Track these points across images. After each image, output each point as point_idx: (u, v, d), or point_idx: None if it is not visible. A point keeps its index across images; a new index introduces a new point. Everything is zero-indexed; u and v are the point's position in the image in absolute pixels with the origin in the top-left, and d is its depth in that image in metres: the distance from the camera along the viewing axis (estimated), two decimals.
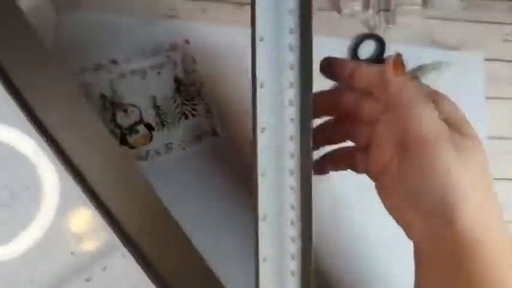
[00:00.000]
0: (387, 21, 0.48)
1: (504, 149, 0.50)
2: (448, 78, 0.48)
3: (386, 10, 0.49)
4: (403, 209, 0.30)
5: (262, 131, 0.27)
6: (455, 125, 0.29)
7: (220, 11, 0.48)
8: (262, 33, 0.27)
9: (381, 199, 0.32)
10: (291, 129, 0.27)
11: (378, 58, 0.49)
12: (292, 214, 0.27)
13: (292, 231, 0.27)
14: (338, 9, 0.49)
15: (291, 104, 0.27)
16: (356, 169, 0.33)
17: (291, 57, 0.27)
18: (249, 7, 0.50)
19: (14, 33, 0.24)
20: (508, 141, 0.48)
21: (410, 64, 0.48)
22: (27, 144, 0.23)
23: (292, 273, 0.27)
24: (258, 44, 0.27)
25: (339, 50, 0.49)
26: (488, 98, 0.50)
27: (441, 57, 0.48)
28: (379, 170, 0.31)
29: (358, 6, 0.48)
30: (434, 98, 0.30)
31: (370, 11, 0.48)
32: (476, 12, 0.47)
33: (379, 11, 0.48)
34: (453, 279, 0.28)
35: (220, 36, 0.48)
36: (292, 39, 0.27)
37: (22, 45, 0.24)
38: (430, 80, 0.47)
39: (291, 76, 0.27)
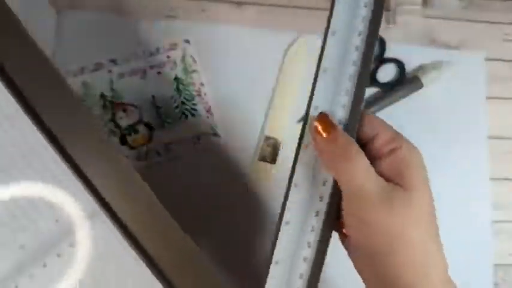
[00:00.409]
0: (388, 21, 0.49)
1: (504, 149, 0.50)
2: (448, 78, 0.47)
3: (387, 10, 0.49)
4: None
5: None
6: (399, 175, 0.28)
7: (219, 11, 0.49)
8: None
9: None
10: None
11: (379, 58, 0.49)
12: (314, 221, 0.28)
13: (312, 236, 0.28)
14: None
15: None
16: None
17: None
18: (247, 6, 0.50)
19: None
20: (508, 141, 0.48)
21: (410, 64, 0.49)
22: None
23: (301, 276, 0.28)
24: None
25: None
26: (488, 97, 0.50)
27: (441, 57, 0.48)
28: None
29: None
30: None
31: None
32: (476, 12, 0.46)
33: None
34: None
35: (220, 35, 0.48)
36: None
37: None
38: (430, 79, 0.46)
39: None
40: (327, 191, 0.28)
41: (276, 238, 0.28)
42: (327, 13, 0.51)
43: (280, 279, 0.28)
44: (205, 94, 0.45)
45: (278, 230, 0.28)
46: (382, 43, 0.48)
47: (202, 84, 0.45)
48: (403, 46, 0.49)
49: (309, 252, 0.28)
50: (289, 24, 0.49)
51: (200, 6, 0.48)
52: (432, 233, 0.29)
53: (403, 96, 0.48)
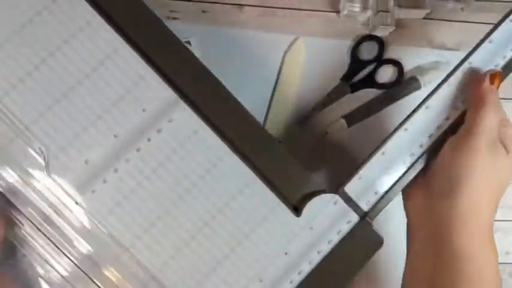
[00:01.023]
0: (386, 23, 0.48)
1: None
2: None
3: (385, 11, 0.48)
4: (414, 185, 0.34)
5: None
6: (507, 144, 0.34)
7: (220, 12, 0.49)
8: None
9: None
10: None
11: (377, 59, 0.49)
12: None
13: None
14: (337, 11, 0.49)
15: None
16: None
17: None
18: (248, 8, 0.50)
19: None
20: None
21: (409, 65, 0.49)
22: None
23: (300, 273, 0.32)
24: None
25: (339, 51, 0.49)
26: None
27: (439, 58, 0.48)
28: None
29: (357, 8, 0.48)
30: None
31: (369, 12, 0.47)
32: (474, 13, 0.46)
33: (377, 12, 0.47)
34: (437, 250, 0.33)
35: (221, 37, 0.48)
36: None
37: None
38: (428, 80, 0.46)
39: None
40: None
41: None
42: (327, 15, 0.51)
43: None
44: None
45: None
46: (381, 44, 0.49)
47: None
48: (401, 47, 0.49)
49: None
50: (290, 26, 0.49)
51: (201, 7, 0.48)
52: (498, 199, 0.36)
53: (402, 97, 0.48)
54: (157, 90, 0.32)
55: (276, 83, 0.48)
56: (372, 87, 0.48)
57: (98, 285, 0.30)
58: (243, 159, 0.32)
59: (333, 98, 0.47)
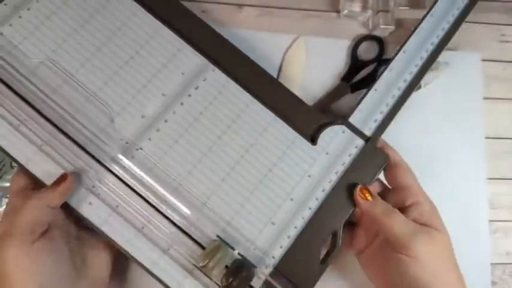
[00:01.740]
0: (386, 22, 0.50)
1: (500, 148, 0.52)
2: (445, 79, 0.48)
3: (385, 11, 0.51)
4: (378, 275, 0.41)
5: None
6: (427, 221, 0.38)
7: (220, 12, 0.51)
8: None
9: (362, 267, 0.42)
10: None
11: (378, 59, 0.51)
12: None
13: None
14: (337, 11, 0.52)
15: None
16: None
17: None
18: (248, 8, 0.49)
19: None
20: (505, 141, 0.48)
21: None
22: None
23: (323, 190, 0.41)
24: None
25: (339, 51, 0.52)
26: (485, 98, 0.53)
27: (439, 58, 0.48)
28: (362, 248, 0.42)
29: (357, 8, 0.48)
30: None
31: (369, 12, 0.47)
32: (473, 13, 0.46)
33: (377, 12, 0.47)
34: None
35: None
36: None
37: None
38: (427, 80, 0.47)
39: None
40: None
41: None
42: (327, 15, 0.50)
43: None
44: None
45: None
46: (381, 44, 0.52)
47: None
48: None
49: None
50: (289, 26, 0.52)
51: (201, 7, 0.51)
52: (453, 264, 0.38)
53: None
54: (191, 58, 0.43)
55: None
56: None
57: (154, 207, 0.38)
58: (264, 104, 0.42)
59: (333, 98, 0.46)
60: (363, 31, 0.52)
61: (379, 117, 0.43)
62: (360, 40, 0.51)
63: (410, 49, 0.45)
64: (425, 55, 0.44)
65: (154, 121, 0.41)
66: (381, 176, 0.43)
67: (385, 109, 0.43)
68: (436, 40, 0.45)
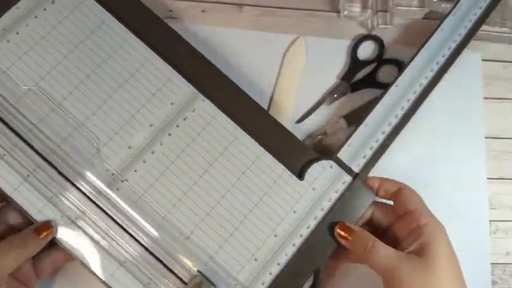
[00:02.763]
0: (385, 22, 0.51)
1: (500, 148, 0.52)
2: (445, 79, 0.47)
3: (384, 11, 0.51)
4: None
5: None
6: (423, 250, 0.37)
7: (220, 12, 0.51)
8: None
9: None
10: None
11: (378, 59, 0.51)
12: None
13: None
14: (337, 11, 0.52)
15: None
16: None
17: None
18: (248, 8, 0.49)
19: None
20: (505, 141, 0.48)
21: None
22: None
23: (308, 227, 0.40)
24: None
25: (339, 51, 0.51)
26: (485, 98, 0.52)
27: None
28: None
29: (356, 8, 0.48)
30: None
31: (369, 12, 0.47)
32: None
33: (377, 11, 0.47)
34: None
35: (220, 37, 0.50)
36: None
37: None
38: None
39: None
40: None
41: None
42: (327, 15, 0.49)
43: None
44: None
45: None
46: (381, 44, 0.52)
47: None
48: (401, 47, 0.49)
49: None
50: (289, 26, 0.52)
51: (201, 7, 0.51)
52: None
53: None
54: (181, 88, 0.42)
55: (276, 82, 0.50)
56: (372, 87, 0.51)
57: (133, 236, 0.38)
58: (253, 137, 0.42)
59: (333, 98, 0.46)
60: (363, 31, 0.51)
61: (368, 153, 0.42)
62: (359, 40, 0.51)
63: (403, 83, 0.43)
64: (418, 89, 0.43)
65: (141, 152, 0.40)
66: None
67: (374, 145, 0.42)
68: (427, 78, 0.44)
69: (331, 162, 0.41)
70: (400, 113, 0.43)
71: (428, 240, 0.37)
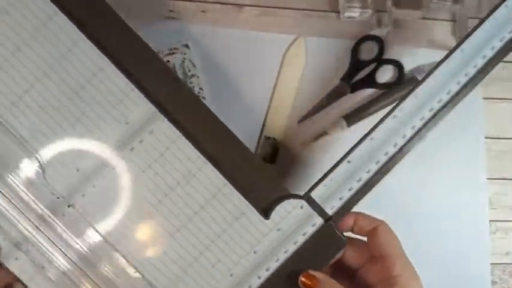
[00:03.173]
0: (384, 22, 0.51)
1: (500, 148, 0.52)
2: None
3: (384, 11, 0.51)
4: None
5: None
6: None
7: (220, 12, 0.51)
8: None
9: None
10: None
11: (378, 59, 0.51)
12: None
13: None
14: (337, 11, 0.52)
15: None
16: None
17: None
18: (248, 9, 0.49)
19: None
20: (505, 141, 0.47)
21: (408, 65, 0.51)
22: None
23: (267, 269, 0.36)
24: None
25: (339, 51, 0.51)
26: (485, 98, 0.52)
27: (439, 58, 0.47)
28: None
29: (356, 8, 0.49)
30: None
31: (369, 13, 0.46)
32: (472, 13, 0.46)
33: (375, 12, 0.46)
34: None
35: (220, 37, 0.50)
36: None
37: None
38: None
39: None
40: None
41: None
42: (327, 15, 0.49)
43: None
44: (204, 98, 0.46)
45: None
46: (381, 44, 0.52)
47: (201, 89, 0.46)
48: (401, 47, 0.49)
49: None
50: (289, 26, 0.52)
51: (201, 7, 0.50)
52: None
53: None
54: (139, 106, 0.37)
55: (276, 83, 0.50)
56: (372, 87, 0.52)
57: (92, 279, 0.35)
58: (217, 167, 0.37)
59: (333, 98, 0.47)
60: (363, 31, 0.51)
61: (346, 194, 0.37)
62: (359, 40, 0.51)
63: (401, 114, 0.37)
64: (419, 124, 0.37)
65: (90, 176, 0.36)
66: None
67: (355, 186, 0.37)
68: (431, 110, 0.37)
69: (302, 202, 0.37)
70: (391, 150, 0.37)
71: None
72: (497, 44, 0.37)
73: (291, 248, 0.37)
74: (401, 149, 0.37)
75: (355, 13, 0.50)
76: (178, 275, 0.36)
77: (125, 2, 0.48)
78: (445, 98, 0.37)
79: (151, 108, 0.37)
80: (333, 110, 0.49)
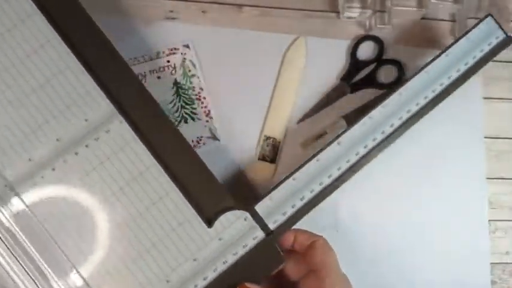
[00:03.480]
0: (384, 23, 0.51)
1: (499, 148, 0.52)
2: None
3: (383, 11, 0.51)
4: None
5: None
6: None
7: (220, 13, 0.51)
8: None
9: None
10: None
11: (378, 59, 0.51)
12: None
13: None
14: (337, 11, 0.51)
15: None
16: None
17: None
18: (248, 9, 0.48)
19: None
20: (504, 141, 0.47)
21: (409, 65, 0.50)
22: None
23: (205, 278, 0.37)
24: None
25: (338, 51, 0.51)
26: (485, 98, 0.52)
27: None
28: None
29: (355, 8, 0.49)
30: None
31: (368, 13, 0.46)
32: (472, 13, 0.46)
33: (376, 12, 0.46)
34: None
35: (221, 37, 0.50)
36: None
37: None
38: None
39: None
40: None
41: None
42: (326, 15, 0.49)
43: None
44: (204, 98, 0.46)
45: None
46: (380, 44, 0.51)
47: (201, 89, 0.47)
48: (401, 47, 0.49)
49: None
50: (289, 27, 0.52)
51: (201, 7, 0.51)
52: None
53: None
54: (100, 104, 0.38)
55: (276, 83, 0.50)
56: (372, 87, 0.51)
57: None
58: (167, 171, 0.38)
59: (333, 98, 0.47)
60: (362, 31, 0.51)
61: (290, 211, 0.38)
62: (359, 40, 0.51)
63: (345, 141, 0.40)
64: (363, 151, 0.39)
65: (41, 166, 0.37)
66: None
67: (298, 203, 0.39)
68: (375, 140, 0.40)
69: (246, 214, 0.38)
70: (335, 173, 0.39)
71: None
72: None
73: (230, 259, 0.37)
74: (344, 173, 0.39)
75: (355, 13, 0.50)
76: (114, 275, 0.36)
77: (125, 2, 0.48)
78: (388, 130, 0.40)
79: (112, 108, 0.37)
80: (333, 110, 0.49)
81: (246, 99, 0.49)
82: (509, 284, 0.50)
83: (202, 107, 0.48)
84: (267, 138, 0.48)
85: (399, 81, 0.50)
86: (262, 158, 0.48)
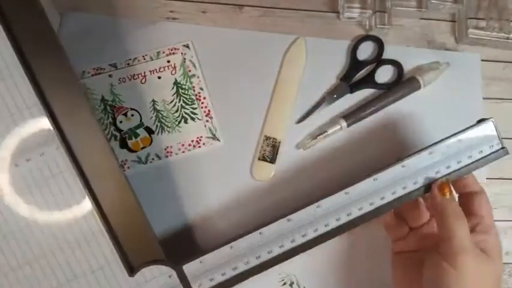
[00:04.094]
0: (383, 23, 0.51)
1: None
2: (445, 79, 0.48)
3: (383, 12, 0.50)
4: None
5: None
6: (487, 249, 0.37)
7: (220, 13, 0.51)
8: None
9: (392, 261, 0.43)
10: None
11: (377, 59, 0.51)
12: None
13: None
14: (337, 11, 0.52)
15: None
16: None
17: None
18: (248, 9, 0.48)
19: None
20: (504, 141, 0.46)
21: (408, 65, 0.51)
22: None
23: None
24: None
25: (338, 51, 0.51)
26: (485, 98, 0.52)
27: (439, 58, 0.48)
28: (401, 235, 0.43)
29: (355, 9, 0.50)
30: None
31: (368, 13, 0.46)
32: (472, 13, 0.46)
33: (376, 12, 0.46)
34: None
35: (221, 37, 0.50)
36: None
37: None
38: (428, 80, 0.46)
39: None
40: None
41: None
42: (326, 16, 0.49)
43: None
44: (204, 98, 0.46)
45: None
46: (380, 44, 0.52)
47: (201, 89, 0.47)
48: (400, 47, 0.50)
49: None
50: (289, 27, 0.52)
51: (201, 7, 0.51)
52: None
53: (401, 97, 0.50)
54: (39, 123, 0.35)
55: (276, 83, 0.50)
56: (372, 87, 0.51)
57: None
58: (99, 211, 0.36)
59: (332, 98, 0.45)
60: (362, 32, 0.51)
61: (218, 278, 0.37)
62: (359, 40, 0.51)
63: (295, 219, 0.37)
64: (312, 235, 0.37)
65: None
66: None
67: (229, 273, 0.37)
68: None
69: (172, 272, 0.36)
70: (276, 250, 0.37)
71: (491, 250, 0.37)
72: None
73: None
74: (285, 252, 0.37)
75: (355, 14, 0.50)
76: None
77: (125, 2, 0.48)
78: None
79: (52, 131, 0.35)
80: (332, 110, 0.49)
81: (246, 99, 0.49)
82: (510, 285, 0.50)
83: (202, 107, 0.48)
84: (267, 138, 0.48)
85: (399, 81, 0.50)
86: (262, 158, 0.48)
